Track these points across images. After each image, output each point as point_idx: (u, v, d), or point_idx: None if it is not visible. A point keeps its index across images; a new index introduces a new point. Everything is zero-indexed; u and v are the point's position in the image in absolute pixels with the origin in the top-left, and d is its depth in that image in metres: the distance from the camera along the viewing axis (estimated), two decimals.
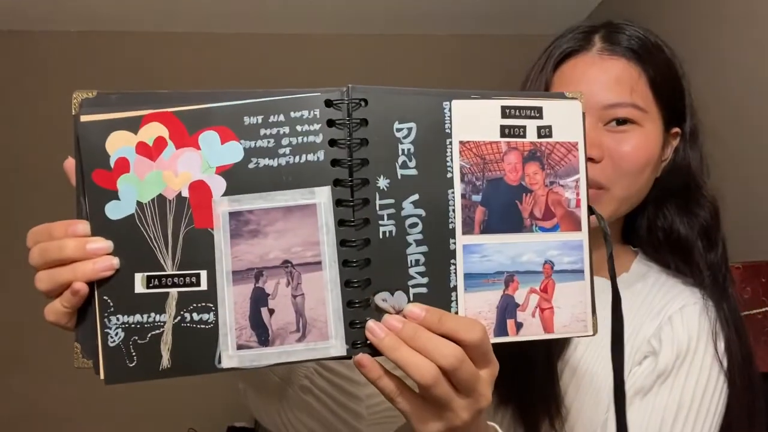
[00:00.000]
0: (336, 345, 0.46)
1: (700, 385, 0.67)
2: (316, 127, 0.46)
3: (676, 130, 0.75)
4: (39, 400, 2.90)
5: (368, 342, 0.45)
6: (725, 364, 0.69)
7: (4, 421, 2.87)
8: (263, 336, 0.47)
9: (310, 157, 0.46)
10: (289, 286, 0.47)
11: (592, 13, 2.83)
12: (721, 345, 0.69)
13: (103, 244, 0.47)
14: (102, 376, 0.49)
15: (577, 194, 0.48)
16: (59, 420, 2.88)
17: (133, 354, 0.49)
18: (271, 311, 0.47)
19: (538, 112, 0.47)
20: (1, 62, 3.05)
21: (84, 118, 0.49)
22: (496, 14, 2.95)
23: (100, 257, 0.46)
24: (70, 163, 0.51)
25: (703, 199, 0.74)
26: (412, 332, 0.44)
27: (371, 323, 0.45)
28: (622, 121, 0.70)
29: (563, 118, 0.48)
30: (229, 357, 0.48)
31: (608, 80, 0.70)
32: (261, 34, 3.15)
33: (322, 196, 0.46)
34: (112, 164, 0.47)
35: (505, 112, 0.47)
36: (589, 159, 0.62)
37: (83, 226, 0.48)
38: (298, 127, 0.46)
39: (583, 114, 0.49)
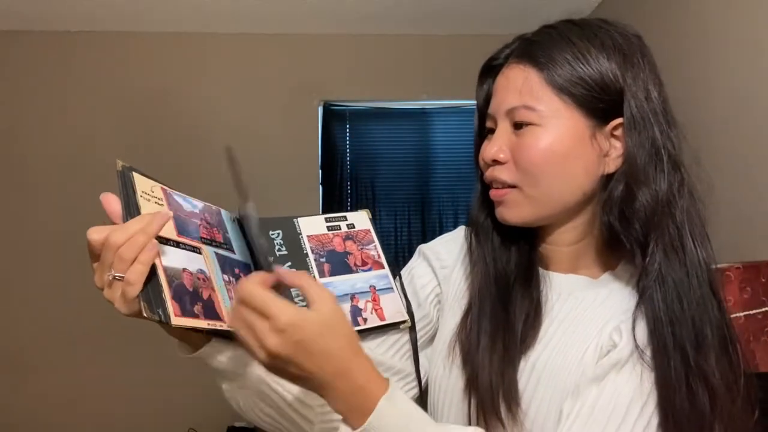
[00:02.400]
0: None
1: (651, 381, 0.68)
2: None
3: (618, 122, 0.73)
4: (39, 400, 2.90)
5: None
6: (651, 378, 0.68)
7: (5, 421, 2.87)
8: None
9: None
10: None
11: (592, 12, 2.83)
12: (647, 354, 0.69)
13: (162, 213, 0.66)
14: (172, 319, 0.61)
15: (377, 251, 0.86)
16: (59, 420, 2.89)
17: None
18: None
19: (344, 218, 0.87)
20: (1, 62, 3.05)
21: (136, 174, 0.68)
22: (496, 14, 2.95)
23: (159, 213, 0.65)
24: (110, 197, 0.65)
25: (640, 198, 0.71)
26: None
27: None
28: (519, 125, 0.74)
29: (359, 218, 0.88)
30: None
31: (507, 87, 0.76)
32: (261, 34, 3.16)
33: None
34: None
35: (327, 220, 0.86)
36: (494, 162, 0.76)
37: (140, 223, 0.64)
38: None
39: (369, 217, 0.89)
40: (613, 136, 0.74)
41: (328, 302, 0.62)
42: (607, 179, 0.75)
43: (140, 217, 0.63)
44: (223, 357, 0.73)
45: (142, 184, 0.69)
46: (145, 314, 0.61)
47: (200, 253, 0.70)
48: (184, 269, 0.66)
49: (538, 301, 0.77)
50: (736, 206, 1.85)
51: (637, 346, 0.69)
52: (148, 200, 0.68)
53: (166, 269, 0.64)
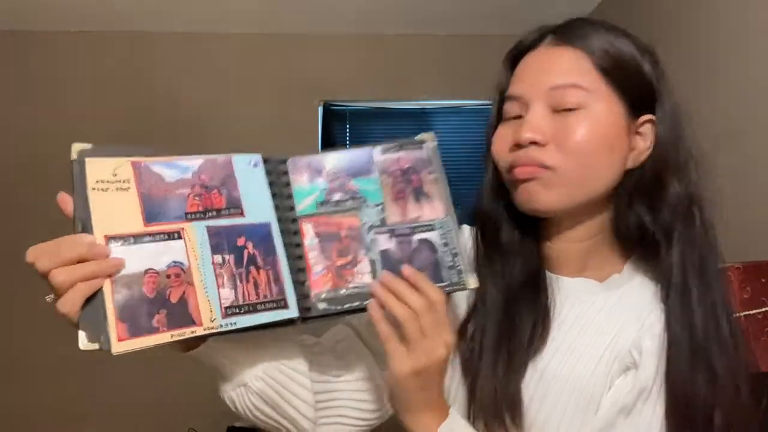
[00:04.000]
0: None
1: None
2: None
3: (647, 117, 0.74)
4: (39, 400, 2.90)
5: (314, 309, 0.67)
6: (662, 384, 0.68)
7: (5, 421, 2.87)
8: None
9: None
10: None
11: (592, 12, 2.83)
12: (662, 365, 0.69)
13: (105, 248, 0.59)
14: (113, 345, 0.56)
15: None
16: (59, 420, 2.89)
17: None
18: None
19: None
20: (1, 62, 3.05)
21: (90, 159, 0.60)
22: (496, 14, 2.95)
23: (111, 257, 0.58)
24: (64, 197, 0.61)
25: (673, 194, 0.72)
26: (397, 283, 0.64)
27: (373, 282, 0.66)
28: (564, 107, 0.71)
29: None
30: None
31: (552, 65, 0.73)
32: (261, 34, 3.15)
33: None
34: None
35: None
36: (533, 143, 0.71)
37: (88, 237, 0.59)
38: None
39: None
40: (638, 133, 0.74)
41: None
42: (628, 174, 0.74)
43: (81, 243, 0.58)
44: (219, 356, 0.71)
45: (99, 169, 0.60)
46: (81, 345, 0.55)
47: (179, 237, 0.61)
48: (148, 271, 0.58)
49: (546, 307, 0.75)
50: (736, 206, 1.85)
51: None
52: (105, 190, 0.59)
53: (117, 281, 0.57)
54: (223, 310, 0.61)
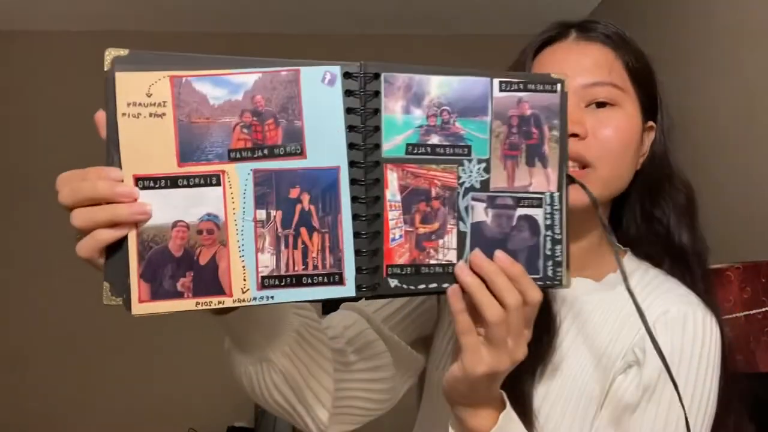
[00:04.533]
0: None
1: (686, 399, 0.67)
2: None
3: (651, 123, 0.77)
4: (39, 399, 2.90)
5: (372, 286, 0.53)
6: (717, 375, 0.69)
7: (4, 421, 2.86)
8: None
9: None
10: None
11: (592, 12, 2.83)
12: (717, 355, 0.70)
13: (131, 190, 0.49)
14: (133, 307, 0.49)
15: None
16: (59, 420, 2.89)
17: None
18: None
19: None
20: (1, 62, 3.05)
21: (119, 74, 0.49)
22: (496, 15, 2.95)
23: (136, 202, 0.49)
24: (101, 116, 0.51)
25: (679, 188, 0.77)
26: (494, 273, 0.53)
27: (461, 264, 0.54)
28: (602, 104, 0.71)
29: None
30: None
31: (586, 62, 0.72)
32: (261, 34, 3.15)
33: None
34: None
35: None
36: (573, 135, 0.65)
37: (116, 171, 0.50)
38: None
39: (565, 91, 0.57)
40: (645, 134, 0.77)
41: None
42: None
43: (104, 181, 0.49)
44: (245, 322, 0.61)
45: (131, 87, 0.49)
46: (104, 300, 0.49)
47: (219, 183, 0.49)
48: (177, 223, 0.49)
49: (553, 315, 0.74)
50: (736, 206, 1.85)
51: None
52: (137, 116, 0.49)
53: (143, 233, 0.48)
54: (260, 280, 0.51)
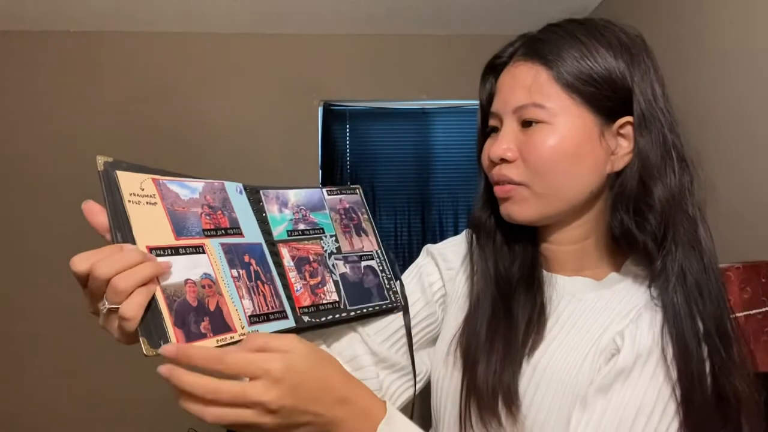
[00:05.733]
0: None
1: (661, 387, 0.67)
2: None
3: (626, 119, 0.74)
4: (39, 400, 2.90)
5: None
6: (674, 376, 0.67)
7: (4, 421, 2.87)
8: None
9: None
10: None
11: (592, 12, 2.83)
12: (669, 354, 0.68)
13: (152, 255, 0.60)
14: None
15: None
16: (59, 420, 2.89)
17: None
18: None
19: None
20: (1, 62, 3.05)
21: (121, 173, 0.62)
22: (496, 14, 2.95)
23: (162, 261, 0.59)
24: (89, 206, 0.60)
25: (656, 193, 0.72)
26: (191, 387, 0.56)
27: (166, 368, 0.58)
28: (528, 123, 0.74)
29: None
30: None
31: (514, 85, 0.75)
32: (261, 34, 3.16)
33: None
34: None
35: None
36: (502, 160, 0.75)
37: (131, 245, 0.59)
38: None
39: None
40: (619, 134, 0.74)
41: (296, 339, 0.59)
42: (614, 177, 0.75)
43: (134, 249, 0.57)
44: None
45: (129, 183, 0.61)
46: (144, 351, 0.55)
47: (203, 251, 0.63)
48: (187, 281, 0.60)
49: (542, 305, 0.76)
50: (736, 206, 1.85)
51: (659, 350, 0.68)
52: (138, 203, 0.61)
53: (165, 290, 0.58)
54: (248, 319, 0.65)
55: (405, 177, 3.27)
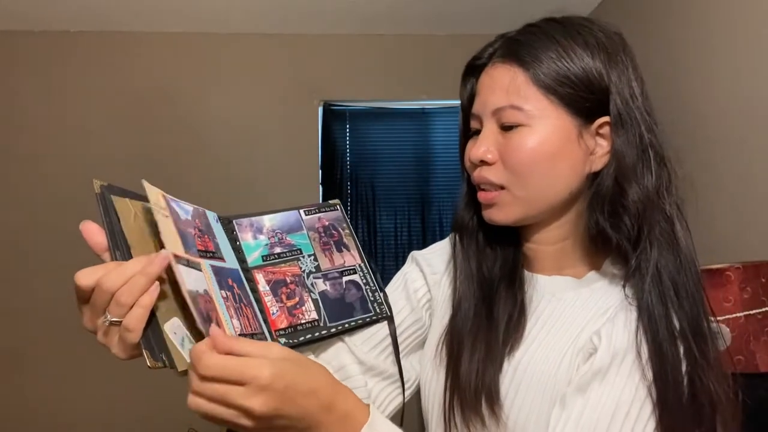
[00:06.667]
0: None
1: (637, 387, 0.67)
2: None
3: (604, 120, 0.73)
4: (39, 400, 2.90)
5: None
6: (649, 376, 0.67)
7: (4, 422, 2.87)
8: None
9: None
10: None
11: (592, 12, 2.83)
12: (644, 354, 0.68)
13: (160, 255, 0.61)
14: (179, 368, 0.59)
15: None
16: (59, 420, 2.89)
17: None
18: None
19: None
20: (1, 62, 3.05)
21: (148, 185, 0.65)
22: (496, 14, 2.95)
23: (155, 257, 0.60)
24: (87, 226, 0.61)
25: (630, 194, 0.71)
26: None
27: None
28: (508, 126, 0.73)
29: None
30: None
31: (492, 86, 0.75)
32: (261, 34, 3.16)
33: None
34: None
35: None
36: (482, 162, 0.75)
37: (130, 262, 0.60)
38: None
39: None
40: (598, 134, 0.74)
41: (279, 347, 0.60)
42: (594, 177, 0.75)
43: (137, 259, 0.59)
44: None
45: (153, 195, 0.64)
46: (149, 364, 0.57)
47: (200, 269, 0.65)
48: (197, 292, 0.61)
49: (522, 303, 0.77)
50: (736, 206, 1.85)
51: (634, 349, 0.68)
52: (165, 216, 0.64)
53: (189, 293, 0.60)
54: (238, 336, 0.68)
55: (405, 177, 3.27)
